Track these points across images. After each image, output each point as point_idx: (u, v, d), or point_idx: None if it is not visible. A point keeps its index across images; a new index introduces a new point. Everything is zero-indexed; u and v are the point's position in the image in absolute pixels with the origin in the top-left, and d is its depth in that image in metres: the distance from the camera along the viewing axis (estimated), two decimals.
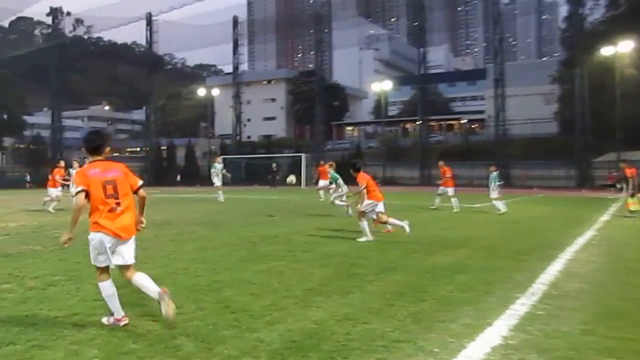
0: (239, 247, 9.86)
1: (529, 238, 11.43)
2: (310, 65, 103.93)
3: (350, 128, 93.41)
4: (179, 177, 63.12)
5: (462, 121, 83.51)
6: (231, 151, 63.06)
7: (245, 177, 59.79)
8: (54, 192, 19.13)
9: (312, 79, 72.76)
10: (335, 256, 8.83)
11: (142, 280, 5.08)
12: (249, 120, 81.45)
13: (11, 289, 6.42)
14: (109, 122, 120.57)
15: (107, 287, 5.09)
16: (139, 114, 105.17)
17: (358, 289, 6.47)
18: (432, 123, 66.96)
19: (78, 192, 5.04)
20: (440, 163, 20.86)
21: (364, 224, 10.91)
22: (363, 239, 10.65)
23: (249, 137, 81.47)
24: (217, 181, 25.08)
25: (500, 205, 18.23)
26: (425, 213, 18.20)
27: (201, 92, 71.65)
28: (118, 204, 5.09)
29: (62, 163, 20.66)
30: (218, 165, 25.51)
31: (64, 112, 72.85)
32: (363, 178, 11.24)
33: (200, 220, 15.21)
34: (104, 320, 5.01)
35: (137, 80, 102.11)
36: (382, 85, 63.37)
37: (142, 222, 5.38)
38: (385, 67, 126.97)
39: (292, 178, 25.44)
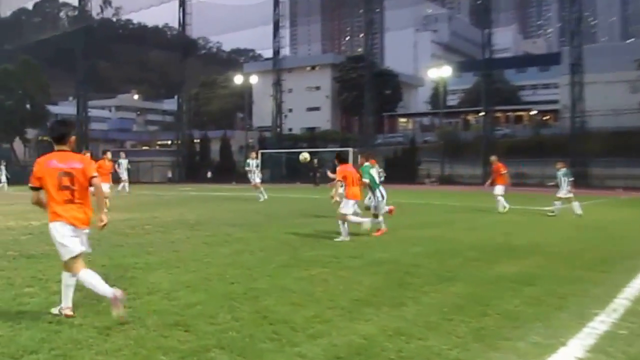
0: (278, 252, 9.94)
1: (610, 246, 11.16)
2: (360, 50, 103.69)
3: (403, 120, 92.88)
4: (209, 174, 63.92)
5: (532, 112, 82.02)
6: (271, 145, 63.56)
7: (286, 173, 60.18)
8: (105, 187, 19.24)
9: (361, 65, 72.55)
10: (386, 263, 8.82)
11: (91, 279, 5.49)
12: (290, 110, 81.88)
13: (34, 293, 6.63)
14: (138, 112, 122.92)
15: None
16: (170, 104, 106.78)
17: (412, 300, 6.44)
18: (497, 114, 65.95)
19: (32, 189, 5.66)
20: (493, 158, 20.48)
21: (354, 218, 11.95)
22: (340, 239, 11.45)
23: (290, 129, 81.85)
24: (253, 179, 25.22)
25: (562, 207, 18.27)
26: (488, 216, 17.95)
27: (238, 79, 72.38)
28: (73, 196, 5.59)
29: (109, 154, 20.48)
30: (252, 162, 25.57)
31: (90, 101, 74.58)
32: (341, 171, 12.09)
33: (236, 221, 15.38)
34: (55, 310, 5.57)
35: (169, 66, 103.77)
36: (441, 72, 62.74)
37: (101, 220, 5.76)
38: (444, 51, 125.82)
39: (305, 155, 25.11)
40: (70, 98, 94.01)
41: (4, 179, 40.58)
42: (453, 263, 8.92)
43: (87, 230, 5.77)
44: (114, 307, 5.31)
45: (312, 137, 73.65)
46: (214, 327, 5.29)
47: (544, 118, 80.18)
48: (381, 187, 13.13)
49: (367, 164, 12.75)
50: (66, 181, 5.51)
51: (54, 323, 5.39)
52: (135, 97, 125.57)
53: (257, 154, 28.18)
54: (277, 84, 68.18)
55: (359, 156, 12.97)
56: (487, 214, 18.53)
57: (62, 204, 5.51)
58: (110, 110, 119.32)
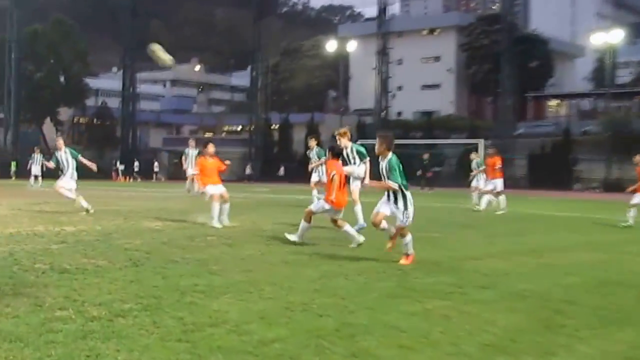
0: (382, 276, 9.95)
1: None
2: (495, 7, 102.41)
3: (554, 102, 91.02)
4: (282, 171, 64.53)
5: None
6: (372, 133, 63.37)
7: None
8: (211, 189, 17.58)
9: (496, 28, 71.67)
10: (530, 297, 8.69)
11: None
12: (399, 88, 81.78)
13: (68, 318, 6.87)
14: (200, 88, 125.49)
15: None
16: (241, 78, 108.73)
17: (564, 349, 6.31)
18: None
19: None
20: (638, 158, 19.83)
21: (305, 225, 13.25)
22: (292, 237, 13.27)
23: (399, 113, 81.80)
24: (314, 177, 24.74)
25: None
26: None
27: (331, 46, 72.95)
28: None
29: (212, 148, 18.12)
30: (312, 153, 25.22)
31: (140, 73, 76.42)
32: (332, 167, 13.30)
33: (326, 234, 15.45)
34: None
35: (240, 28, 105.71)
36: (608, 37, 61.09)
37: None
38: (613, 8, 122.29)
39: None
40: (115, 69, 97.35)
41: (37, 170, 41.87)
42: (623, 300, 8.70)
43: None
44: None
45: (428, 125, 73.21)
46: None
47: None
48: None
49: (391, 155, 11.69)
50: None
51: (92, 357, 5.57)
52: (197, 68, 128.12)
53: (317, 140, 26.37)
54: (383, 53, 68.17)
55: (377, 141, 11.72)
56: None
57: None
58: (164, 86, 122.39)
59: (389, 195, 11.44)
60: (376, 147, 11.69)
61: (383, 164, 11.43)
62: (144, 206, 23.78)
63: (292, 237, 13.28)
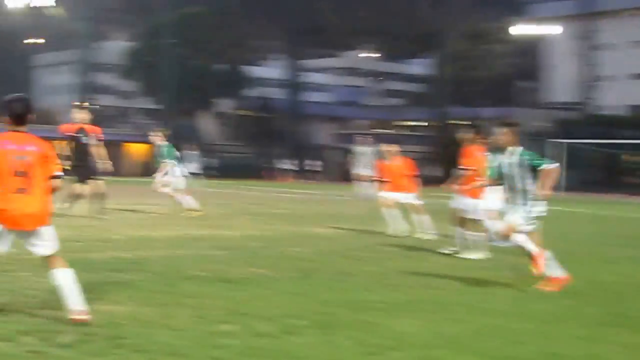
0: (592, 300, 9.69)
1: None
2: None
3: None
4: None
5: None
6: (575, 131, 61.69)
7: (602, 177, 58.06)
8: (387, 195, 17.39)
9: None
10: None
11: (65, 282, 6.88)
12: (606, 78, 79.32)
13: (233, 333, 7.05)
14: (379, 78, 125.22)
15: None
16: (420, 66, 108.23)
17: None
18: None
19: None
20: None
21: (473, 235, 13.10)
22: (472, 255, 12.95)
23: (605, 107, 79.32)
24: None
25: None
26: None
27: (524, 29, 71.59)
28: (27, 184, 6.80)
29: (393, 148, 18.10)
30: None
31: (306, 61, 77.20)
32: (471, 155, 13.60)
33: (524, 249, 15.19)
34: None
35: (420, 10, 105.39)
36: None
37: None
38: None
39: None
40: (278, 56, 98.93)
41: (194, 168, 40.81)
42: None
43: (41, 229, 6.94)
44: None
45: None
46: None
47: None
48: None
49: (520, 148, 10.60)
50: (21, 167, 6.73)
51: None
52: (370, 55, 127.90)
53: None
54: (586, 37, 66.37)
55: (502, 131, 10.70)
56: None
57: (10, 195, 6.70)
58: (333, 75, 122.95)
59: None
60: (499, 138, 10.74)
61: (512, 160, 10.38)
62: (311, 210, 24.17)
63: (472, 256, 13.03)
